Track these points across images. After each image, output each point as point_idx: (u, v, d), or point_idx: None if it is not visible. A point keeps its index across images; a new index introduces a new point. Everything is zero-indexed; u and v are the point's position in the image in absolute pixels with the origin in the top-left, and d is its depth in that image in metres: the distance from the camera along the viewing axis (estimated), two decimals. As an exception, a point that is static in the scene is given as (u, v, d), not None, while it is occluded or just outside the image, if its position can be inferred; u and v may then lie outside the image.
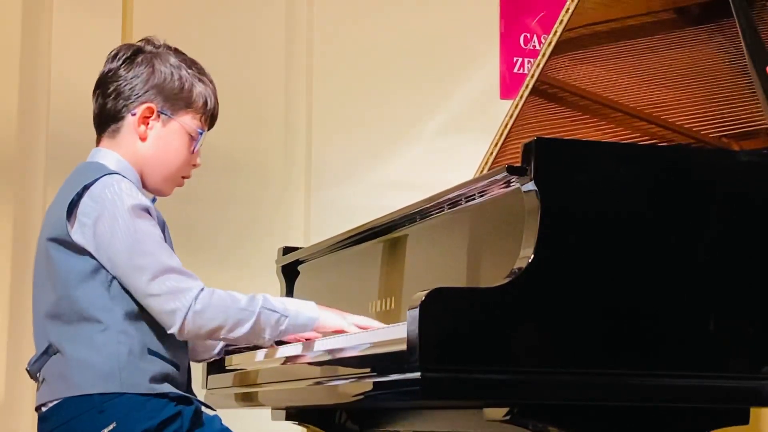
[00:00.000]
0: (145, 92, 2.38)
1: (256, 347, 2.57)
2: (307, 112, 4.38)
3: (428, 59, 4.45)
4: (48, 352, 2.30)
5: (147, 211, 2.29)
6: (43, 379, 2.32)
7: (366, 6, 4.45)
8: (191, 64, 2.45)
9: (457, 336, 1.93)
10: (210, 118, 2.46)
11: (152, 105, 2.38)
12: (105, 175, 2.30)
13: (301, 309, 2.37)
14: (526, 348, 1.96)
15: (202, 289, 2.25)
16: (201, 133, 2.43)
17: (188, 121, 2.42)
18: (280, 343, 2.49)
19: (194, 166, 2.47)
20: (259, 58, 4.33)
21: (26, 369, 2.38)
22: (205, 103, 2.44)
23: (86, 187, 2.28)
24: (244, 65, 4.28)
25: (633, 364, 2.01)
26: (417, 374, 1.90)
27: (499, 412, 2.01)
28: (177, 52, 2.45)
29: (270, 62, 4.36)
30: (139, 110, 2.38)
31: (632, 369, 2.01)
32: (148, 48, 2.43)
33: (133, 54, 2.41)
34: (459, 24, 4.48)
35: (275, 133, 4.35)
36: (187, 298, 2.23)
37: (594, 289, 2.02)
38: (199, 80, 2.43)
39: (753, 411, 2.16)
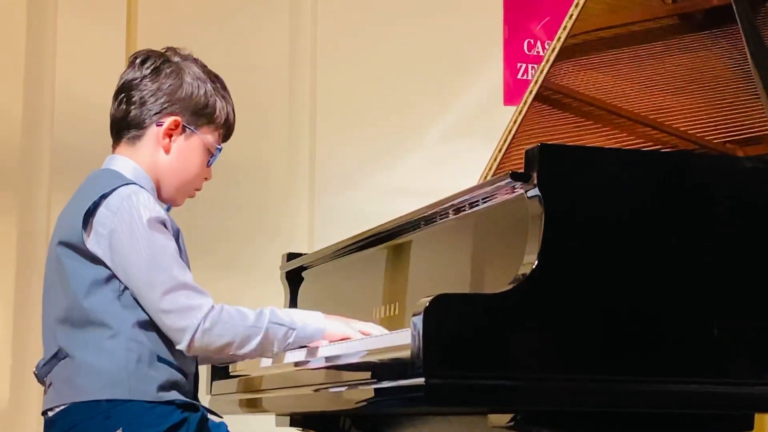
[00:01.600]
0: (172, 105, 2.38)
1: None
2: (311, 118, 4.39)
3: (431, 65, 4.45)
4: (57, 356, 2.30)
5: (163, 223, 2.29)
6: (51, 384, 2.32)
7: (370, 12, 4.46)
8: (215, 78, 2.46)
9: (461, 342, 1.93)
10: (226, 134, 2.48)
11: (179, 118, 2.39)
12: (123, 185, 2.30)
13: (308, 320, 2.37)
14: (530, 354, 1.96)
15: (212, 307, 2.26)
16: (219, 149, 2.45)
17: (208, 136, 2.43)
18: None
19: (206, 179, 2.48)
20: (263, 64, 4.33)
21: (34, 372, 2.38)
22: (226, 119, 2.46)
23: (104, 197, 2.28)
24: (248, 72, 4.29)
25: (637, 370, 2.01)
26: (421, 380, 1.90)
27: (503, 419, 2.01)
28: (201, 64, 2.46)
29: (274, 68, 4.37)
30: (166, 122, 2.38)
31: (636, 375, 2.01)
32: (175, 59, 2.42)
33: (161, 63, 2.40)
34: (463, 30, 4.48)
35: (279, 139, 4.35)
36: (197, 317, 2.24)
37: (597, 295, 2.02)
38: (222, 96, 2.45)
39: (757, 417, 2.15)
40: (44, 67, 4.14)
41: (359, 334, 2.38)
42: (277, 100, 4.36)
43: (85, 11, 4.17)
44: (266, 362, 2.61)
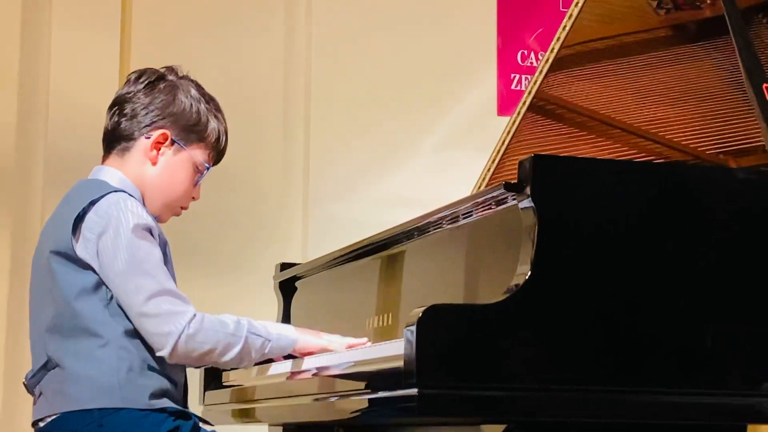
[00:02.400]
0: (163, 118, 2.41)
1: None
2: (305, 128, 4.39)
3: (426, 75, 4.46)
4: (47, 366, 2.31)
5: (150, 230, 2.30)
6: (41, 393, 2.32)
7: (364, 23, 4.46)
8: (210, 99, 2.49)
9: (454, 352, 1.93)
10: (218, 154, 2.50)
11: (167, 132, 2.41)
12: (112, 192, 2.31)
13: (282, 332, 2.42)
14: (524, 365, 1.96)
15: (195, 315, 2.28)
16: (207, 168, 2.46)
17: (198, 154, 2.45)
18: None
19: (193, 198, 2.49)
20: (258, 75, 4.33)
21: (23, 383, 2.38)
22: (217, 139, 2.48)
23: (93, 203, 2.29)
24: (243, 81, 4.29)
25: (631, 381, 2.02)
26: (414, 391, 1.90)
27: (496, 429, 2.01)
28: (198, 85, 2.48)
29: (268, 79, 4.37)
30: (154, 134, 2.40)
31: (630, 386, 2.02)
32: (171, 77, 2.45)
33: (156, 79, 2.44)
34: (457, 40, 4.48)
35: (273, 149, 4.35)
36: (181, 322, 2.25)
37: (590, 306, 2.02)
38: (215, 116, 2.47)
39: (750, 428, 2.16)
40: (39, 75, 4.14)
41: (335, 345, 2.42)
42: (271, 110, 4.36)
43: (80, 19, 4.17)
44: (259, 372, 2.61)
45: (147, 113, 2.40)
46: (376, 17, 4.47)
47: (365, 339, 2.47)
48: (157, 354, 2.27)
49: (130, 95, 2.42)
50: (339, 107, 4.41)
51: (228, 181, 4.15)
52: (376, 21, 4.47)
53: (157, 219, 2.44)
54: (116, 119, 2.42)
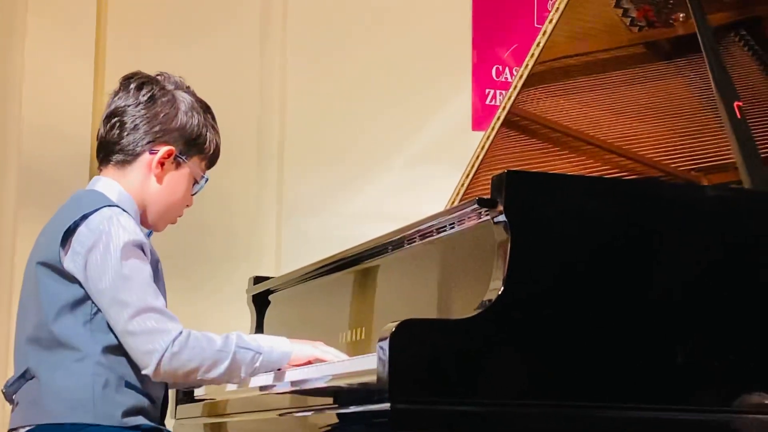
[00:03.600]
0: (167, 134, 2.39)
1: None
2: (279, 142, 4.39)
3: (400, 90, 4.46)
4: (25, 376, 2.30)
5: (141, 248, 2.29)
6: (17, 403, 2.32)
7: (339, 37, 4.47)
8: (206, 108, 2.48)
9: (427, 367, 1.93)
10: (211, 163, 2.50)
11: (173, 148, 2.39)
12: (105, 206, 2.30)
13: (275, 345, 2.37)
14: (496, 380, 1.97)
15: (180, 332, 2.25)
16: (206, 180, 2.46)
17: (196, 165, 2.45)
18: None
19: (187, 206, 2.50)
20: (232, 88, 4.33)
21: (1, 390, 2.37)
22: (215, 150, 2.48)
23: (85, 217, 2.28)
24: (217, 95, 4.23)
25: (603, 398, 2.02)
26: (386, 405, 1.90)
27: (468, 444, 2.01)
28: (193, 93, 2.47)
29: (243, 91, 4.37)
30: (160, 151, 2.38)
31: (602, 402, 2.02)
32: (169, 86, 2.42)
33: (157, 91, 2.40)
34: (431, 55, 4.50)
35: (247, 162, 4.35)
36: (165, 340, 2.23)
37: (563, 322, 2.03)
38: (212, 126, 2.47)
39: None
40: (12, 82, 4.12)
41: (328, 355, 2.38)
42: (245, 124, 4.36)
43: (55, 23, 4.15)
44: (231, 386, 2.60)
45: (151, 128, 2.37)
46: (351, 32, 4.48)
47: None
48: (142, 372, 2.25)
49: (131, 107, 2.38)
50: (313, 121, 4.41)
51: (201, 195, 4.14)
52: (351, 35, 4.48)
53: (155, 229, 2.44)
54: (117, 132, 2.38)
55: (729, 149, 2.49)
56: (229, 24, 4.38)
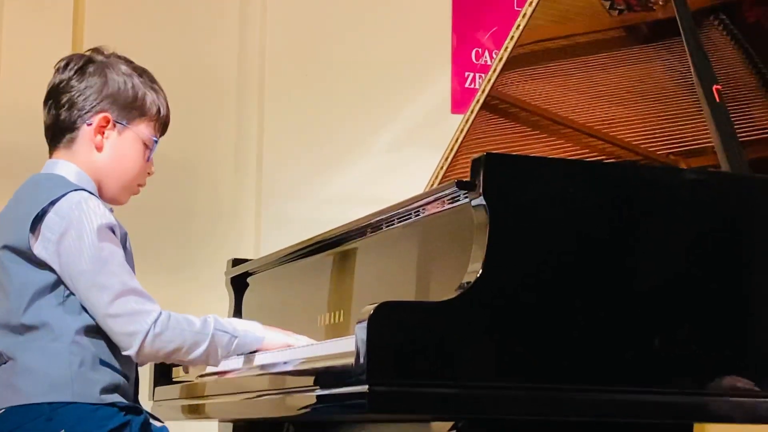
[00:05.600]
0: (100, 102, 2.37)
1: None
2: (258, 124, 4.38)
3: (380, 73, 4.46)
4: None
5: (112, 229, 2.29)
6: None
7: (318, 21, 4.46)
8: (142, 72, 2.45)
9: (405, 349, 1.93)
10: (163, 126, 2.47)
11: (108, 114, 2.38)
12: (72, 191, 2.29)
13: (249, 329, 2.40)
14: (473, 362, 1.97)
15: (161, 313, 2.26)
16: (156, 141, 2.44)
17: (143, 129, 2.42)
18: None
19: (149, 173, 2.47)
20: (212, 70, 4.32)
21: None
22: (159, 110, 2.44)
23: (52, 203, 2.26)
24: (197, 77, 4.27)
25: (578, 379, 2.03)
26: (364, 387, 1.91)
27: (445, 426, 2.02)
28: (127, 60, 2.45)
29: (222, 73, 4.36)
30: (95, 120, 2.37)
31: (577, 384, 2.03)
32: (99, 57, 2.42)
33: (84, 64, 2.40)
34: (411, 38, 4.49)
35: (227, 146, 4.34)
36: (147, 321, 2.23)
37: (541, 304, 2.03)
38: (151, 88, 2.44)
39: (696, 427, 2.18)
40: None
41: (299, 342, 2.40)
42: (225, 106, 4.35)
43: (32, 7, 4.13)
44: (211, 368, 2.60)
45: (84, 99, 2.36)
46: (331, 15, 4.47)
47: None
48: (124, 353, 2.26)
49: (62, 85, 2.38)
50: (292, 104, 4.40)
51: (181, 178, 4.14)
52: (331, 19, 4.46)
53: (117, 202, 2.43)
54: (54, 112, 2.38)
55: (707, 133, 2.50)
56: (208, 2, 4.36)
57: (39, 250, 2.26)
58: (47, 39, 4.10)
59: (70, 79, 2.38)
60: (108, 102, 2.37)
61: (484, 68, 4.49)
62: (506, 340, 2.00)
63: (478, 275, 1.99)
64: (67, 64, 2.40)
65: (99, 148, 2.38)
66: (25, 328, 2.26)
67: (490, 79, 3.12)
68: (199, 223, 4.26)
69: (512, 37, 3.09)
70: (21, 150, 3.88)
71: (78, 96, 2.37)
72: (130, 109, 2.40)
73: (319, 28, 4.45)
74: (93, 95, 2.37)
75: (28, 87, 3.99)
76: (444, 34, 4.55)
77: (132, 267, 2.33)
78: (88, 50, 2.44)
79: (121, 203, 2.45)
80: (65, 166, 2.38)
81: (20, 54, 4.10)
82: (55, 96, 2.39)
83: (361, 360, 1.91)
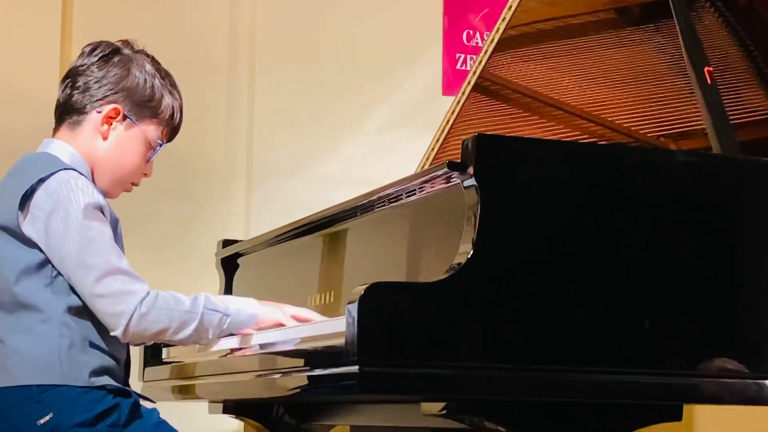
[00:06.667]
0: (114, 93, 2.39)
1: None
2: (248, 105, 4.37)
3: (371, 55, 4.45)
4: None
5: (101, 209, 2.28)
6: None
7: (309, 1, 4.44)
8: (165, 75, 2.46)
9: (395, 330, 1.93)
10: (172, 131, 2.48)
11: (119, 107, 2.39)
12: (61, 170, 2.29)
13: (242, 307, 2.38)
14: (463, 343, 1.97)
15: (148, 293, 2.25)
16: (160, 145, 2.44)
17: (151, 130, 2.43)
18: None
19: (145, 175, 2.47)
20: (201, 51, 4.30)
21: None
22: (171, 115, 2.46)
23: (41, 180, 2.26)
24: (186, 58, 4.25)
25: (568, 360, 2.03)
26: (355, 368, 1.91)
27: (435, 407, 2.02)
28: (154, 60, 2.46)
29: (212, 56, 4.34)
30: (105, 109, 2.38)
31: (568, 365, 2.03)
32: (126, 50, 2.43)
33: (110, 53, 2.41)
34: (402, 20, 4.48)
35: (217, 126, 4.33)
36: (133, 302, 2.23)
37: (531, 285, 2.03)
38: (170, 92, 2.45)
39: (686, 408, 2.18)
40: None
41: (292, 321, 2.38)
42: (215, 87, 4.33)
43: (20, 9, 4.10)
44: (200, 348, 2.60)
45: (100, 87, 2.38)
46: (322, -5, 4.45)
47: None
48: (111, 334, 2.26)
49: (83, 68, 2.40)
50: (283, 85, 4.39)
51: (170, 158, 4.10)
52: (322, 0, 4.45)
53: (107, 195, 2.42)
54: (68, 91, 2.40)
55: (698, 115, 2.50)
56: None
57: (27, 228, 2.26)
58: (36, 24, 4.07)
59: (92, 64, 2.40)
60: (122, 95, 2.39)
61: (476, 50, 4.48)
62: (496, 321, 2.00)
63: (469, 256, 1.99)
64: (93, 50, 2.42)
65: (104, 137, 2.39)
66: (15, 307, 2.26)
67: (481, 61, 3.12)
68: (189, 204, 4.25)
69: (504, 18, 3.09)
70: (13, 134, 3.86)
71: (94, 82, 2.39)
72: (144, 107, 2.41)
73: (309, 9, 4.43)
74: (109, 85, 2.39)
75: (19, 70, 4.00)
76: (435, 15, 4.54)
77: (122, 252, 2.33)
78: (119, 41, 2.45)
79: (112, 197, 2.45)
80: (60, 146, 2.38)
81: (9, 40, 4.07)
82: (73, 77, 2.41)
83: (352, 341, 1.91)
